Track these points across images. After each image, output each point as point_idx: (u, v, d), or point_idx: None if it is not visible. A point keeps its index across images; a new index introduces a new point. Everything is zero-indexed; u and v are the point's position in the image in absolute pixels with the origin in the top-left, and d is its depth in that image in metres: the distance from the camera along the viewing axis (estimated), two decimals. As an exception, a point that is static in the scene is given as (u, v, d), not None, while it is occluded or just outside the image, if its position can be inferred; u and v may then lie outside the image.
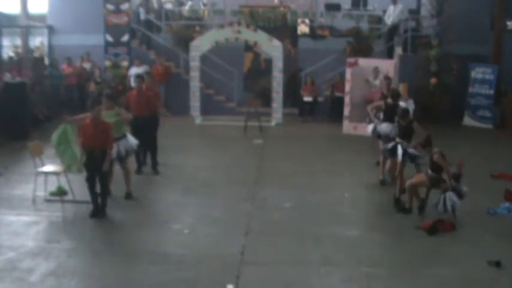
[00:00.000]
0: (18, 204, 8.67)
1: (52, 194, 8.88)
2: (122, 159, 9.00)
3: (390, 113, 9.81)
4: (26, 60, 16.50)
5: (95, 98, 9.10)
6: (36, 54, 17.33)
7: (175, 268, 6.59)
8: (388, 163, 9.58)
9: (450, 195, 7.92)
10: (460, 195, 8.00)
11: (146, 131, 10.40)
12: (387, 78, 11.92)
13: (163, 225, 8.00)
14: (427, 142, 8.27)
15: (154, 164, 10.67)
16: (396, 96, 10.15)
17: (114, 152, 8.63)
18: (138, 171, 10.43)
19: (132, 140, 9.22)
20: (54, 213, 8.28)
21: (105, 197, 8.21)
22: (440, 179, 8.07)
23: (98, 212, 8.13)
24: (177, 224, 7.97)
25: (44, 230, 7.78)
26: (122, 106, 9.70)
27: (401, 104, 10.22)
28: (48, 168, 9.10)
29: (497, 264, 6.67)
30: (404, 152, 8.82)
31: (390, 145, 9.13)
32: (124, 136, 9.05)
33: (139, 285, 6.26)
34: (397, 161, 9.02)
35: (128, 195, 9.01)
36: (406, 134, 8.94)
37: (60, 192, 8.85)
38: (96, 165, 8.01)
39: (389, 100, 10.06)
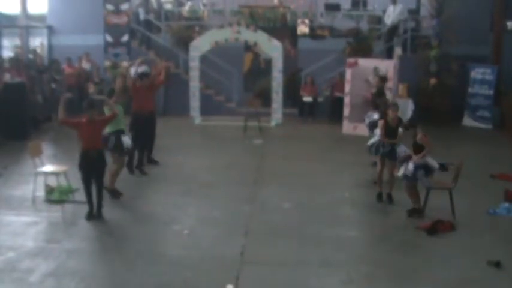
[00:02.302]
0: (18, 205, 8.67)
1: (52, 198, 8.86)
2: (122, 150, 9.01)
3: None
4: (26, 60, 16.50)
5: (91, 99, 9.11)
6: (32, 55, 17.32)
7: (174, 269, 6.59)
8: (378, 166, 9.22)
9: (410, 165, 8.12)
10: (428, 169, 8.13)
11: (150, 127, 10.63)
12: (378, 76, 12.01)
13: (162, 225, 8.00)
14: (411, 124, 8.35)
15: (150, 161, 10.83)
16: (383, 78, 10.79)
17: (112, 143, 8.84)
18: (142, 171, 10.49)
19: (128, 138, 9.27)
20: (53, 214, 8.29)
21: (101, 198, 8.16)
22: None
23: (94, 213, 8.12)
24: (176, 225, 7.97)
25: (43, 230, 7.77)
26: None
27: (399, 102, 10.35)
28: (48, 168, 9.11)
29: (497, 264, 6.67)
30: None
31: (388, 147, 8.87)
32: (123, 131, 9.08)
33: (139, 285, 6.25)
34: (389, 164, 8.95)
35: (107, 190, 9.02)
36: (393, 134, 8.83)
37: (62, 197, 8.84)
38: (92, 165, 8.00)
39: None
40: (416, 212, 8.32)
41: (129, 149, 9.33)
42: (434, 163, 8.20)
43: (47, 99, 15.05)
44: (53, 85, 15.34)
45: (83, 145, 8.00)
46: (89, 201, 8.10)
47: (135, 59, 15.88)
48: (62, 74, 15.97)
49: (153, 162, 10.94)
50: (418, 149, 8.20)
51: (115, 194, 8.98)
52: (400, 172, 8.34)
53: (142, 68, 15.31)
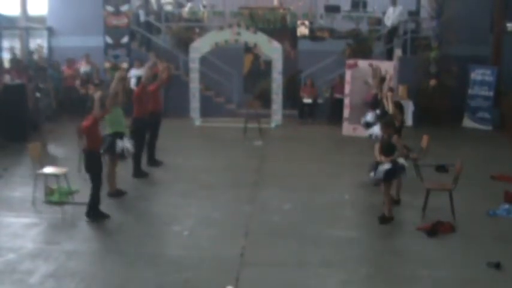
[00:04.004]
0: (18, 206, 8.68)
1: (52, 200, 8.86)
2: (113, 153, 8.99)
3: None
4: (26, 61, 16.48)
5: (93, 100, 9.12)
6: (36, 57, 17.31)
7: (175, 270, 6.59)
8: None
9: (384, 166, 7.95)
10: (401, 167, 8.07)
11: (157, 127, 10.81)
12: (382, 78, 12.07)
13: (163, 227, 8.01)
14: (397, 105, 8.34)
15: (151, 163, 10.84)
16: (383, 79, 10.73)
17: (120, 146, 8.89)
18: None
19: (128, 141, 9.25)
20: (53, 215, 8.29)
21: (92, 199, 8.12)
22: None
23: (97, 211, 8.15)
24: (176, 226, 7.98)
25: (43, 232, 7.79)
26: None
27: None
28: (48, 170, 9.11)
29: (497, 265, 6.67)
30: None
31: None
32: (122, 134, 9.08)
33: (139, 286, 6.27)
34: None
35: (112, 194, 9.05)
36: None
37: (62, 198, 8.84)
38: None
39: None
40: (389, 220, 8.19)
41: (128, 153, 9.27)
42: (402, 160, 8.13)
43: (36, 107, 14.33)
44: (38, 94, 14.60)
45: (90, 145, 8.00)
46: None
47: (135, 61, 16.11)
48: (47, 82, 15.59)
49: (156, 163, 10.93)
50: (390, 148, 8.04)
51: (119, 194, 9.02)
52: (371, 175, 8.19)
53: (142, 70, 15.36)
